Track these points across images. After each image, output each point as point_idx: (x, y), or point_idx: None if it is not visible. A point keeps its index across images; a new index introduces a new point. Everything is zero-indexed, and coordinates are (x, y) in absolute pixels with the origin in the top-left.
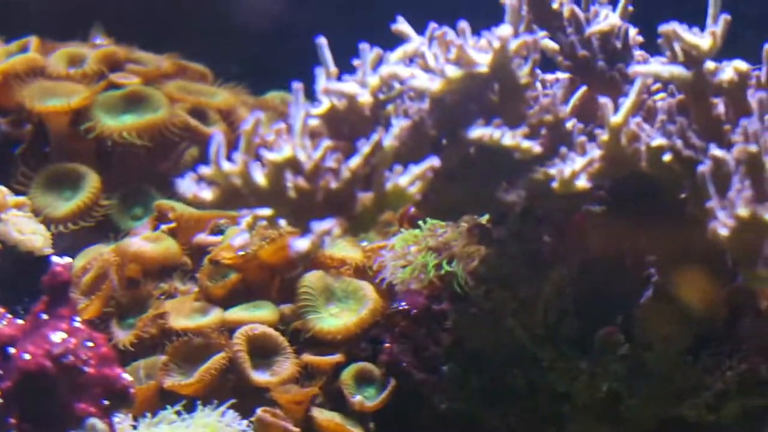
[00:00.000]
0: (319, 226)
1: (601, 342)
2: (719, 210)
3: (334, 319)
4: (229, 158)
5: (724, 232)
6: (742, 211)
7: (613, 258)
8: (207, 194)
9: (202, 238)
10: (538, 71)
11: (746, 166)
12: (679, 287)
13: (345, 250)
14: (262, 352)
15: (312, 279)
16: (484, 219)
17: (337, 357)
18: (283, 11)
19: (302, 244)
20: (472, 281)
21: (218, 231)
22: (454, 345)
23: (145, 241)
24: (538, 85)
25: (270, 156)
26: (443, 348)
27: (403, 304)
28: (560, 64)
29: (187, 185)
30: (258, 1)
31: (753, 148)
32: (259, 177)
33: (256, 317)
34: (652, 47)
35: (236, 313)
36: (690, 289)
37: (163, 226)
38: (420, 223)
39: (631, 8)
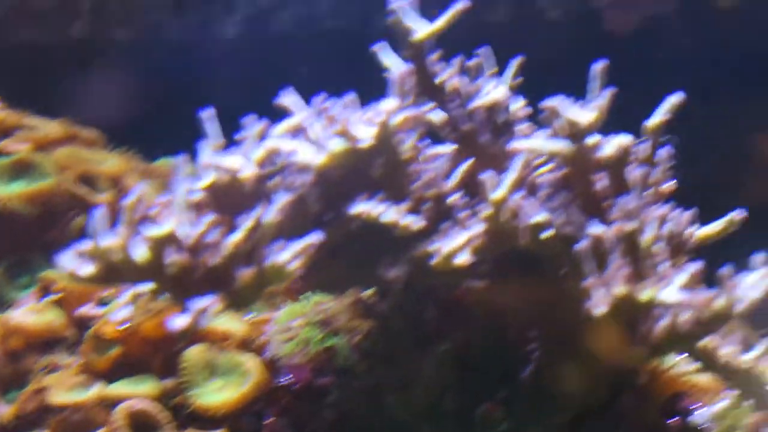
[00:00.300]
0: (197, 304)
1: (481, 419)
2: (596, 288)
3: (217, 394)
4: (113, 228)
5: (600, 310)
6: (619, 290)
7: (495, 333)
8: (87, 270)
9: (87, 310)
10: (425, 143)
11: (624, 244)
12: (560, 363)
13: (229, 323)
14: (144, 428)
15: (194, 353)
16: (369, 292)
17: None
18: (183, 70)
19: (180, 322)
20: (356, 356)
21: (104, 303)
22: (336, 421)
23: (29, 313)
24: (425, 156)
25: (149, 232)
26: (326, 423)
27: (288, 377)
28: (447, 136)
29: (67, 260)
30: (156, 60)
31: (630, 225)
32: (139, 253)
33: (138, 392)
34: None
35: (118, 388)
36: (571, 364)
37: (49, 297)
38: (308, 294)
39: (517, 81)
